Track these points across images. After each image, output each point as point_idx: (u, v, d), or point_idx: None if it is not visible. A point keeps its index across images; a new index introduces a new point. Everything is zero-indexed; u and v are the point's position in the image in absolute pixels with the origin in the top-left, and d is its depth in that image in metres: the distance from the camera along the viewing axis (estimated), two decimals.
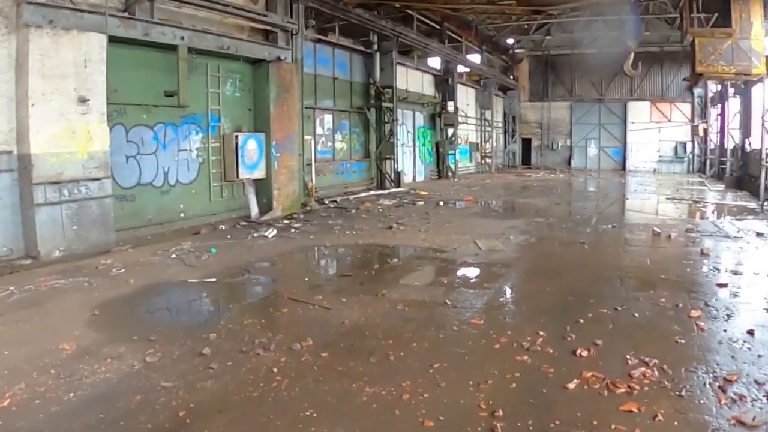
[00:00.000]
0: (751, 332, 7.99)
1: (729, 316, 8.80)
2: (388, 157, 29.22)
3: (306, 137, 21.92)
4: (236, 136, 17.88)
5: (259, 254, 13.35)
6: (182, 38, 15.63)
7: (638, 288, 10.55)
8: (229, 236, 15.37)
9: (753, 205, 23.84)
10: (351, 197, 24.22)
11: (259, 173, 18.76)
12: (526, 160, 53.26)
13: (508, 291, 10.54)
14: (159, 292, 10.50)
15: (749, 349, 7.40)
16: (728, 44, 24.85)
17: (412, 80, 33.97)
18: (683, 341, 7.67)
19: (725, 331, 8.13)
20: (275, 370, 6.72)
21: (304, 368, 6.79)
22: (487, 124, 45.89)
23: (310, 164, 22.49)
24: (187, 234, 15.54)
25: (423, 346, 7.51)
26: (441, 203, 23.62)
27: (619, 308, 9.11)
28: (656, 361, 6.82)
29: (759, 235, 16.36)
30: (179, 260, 12.54)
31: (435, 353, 7.26)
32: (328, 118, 26.10)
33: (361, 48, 28.26)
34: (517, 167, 50.76)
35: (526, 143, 53.54)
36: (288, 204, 19.52)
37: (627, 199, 28.08)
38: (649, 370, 6.59)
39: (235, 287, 10.87)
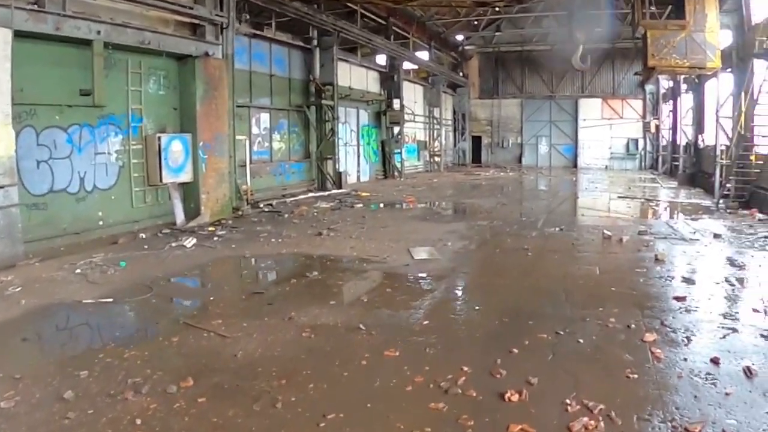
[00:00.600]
0: (715, 361, 6.75)
1: (689, 339, 7.55)
2: (329, 157, 27.77)
3: (239, 137, 20.62)
4: (159, 138, 16.37)
5: (171, 268, 11.88)
6: (98, 33, 14.19)
7: (585, 304, 9.25)
8: (146, 246, 13.84)
9: (708, 203, 22.87)
10: (288, 200, 22.79)
11: (186, 176, 17.24)
12: (477, 158, 52.50)
13: (435, 312, 9.06)
14: (47, 316, 9.00)
15: (714, 384, 6.15)
16: (682, 37, 23.77)
17: (356, 77, 32.70)
18: (636, 376, 6.38)
19: (685, 360, 6.86)
20: (139, 421, 5.39)
21: (173, 419, 5.47)
22: (435, 121, 44.82)
23: (245, 166, 21.17)
24: (105, 244, 14.04)
25: (320, 389, 6.15)
26: (381, 205, 22.32)
27: (562, 332, 7.80)
28: (602, 406, 5.51)
29: (716, 236, 15.31)
30: (83, 276, 11.04)
31: (332, 399, 5.91)
32: (264, 117, 24.59)
33: (301, 44, 26.71)
34: (467, 165, 49.99)
35: (477, 141, 52.84)
36: (218, 209, 18.04)
37: (577, 198, 27.16)
38: (593, 421, 5.25)
39: (130, 309, 9.38)
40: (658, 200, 24.94)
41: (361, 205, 22.02)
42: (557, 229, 16.70)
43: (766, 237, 15.12)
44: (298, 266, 12.56)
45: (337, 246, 14.09)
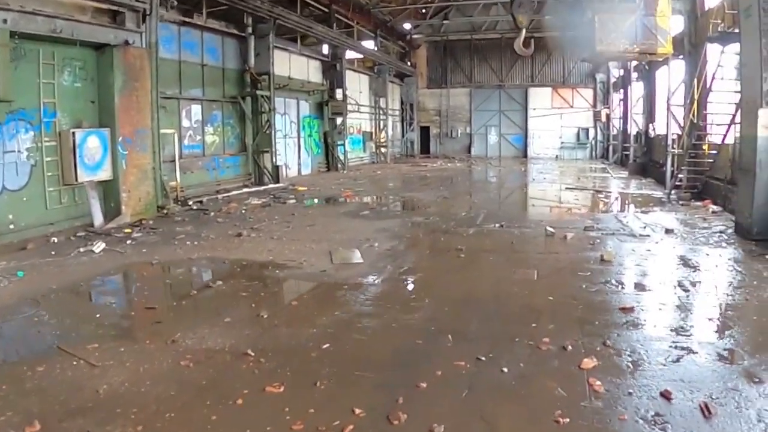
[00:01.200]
0: (666, 395, 5.50)
1: (635, 365, 6.29)
2: (265, 150, 26.20)
3: (167, 131, 19.24)
4: (73, 133, 14.82)
5: (70, 278, 10.36)
6: (5, 21, 12.66)
7: (517, 318, 7.99)
8: (53, 252, 12.28)
9: (659, 194, 21.86)
10: (221, 196, 21.33)
11: (104, 174, 15.72)
12: (425, 148, 51.50)
13: (341, 331, 7.71)
14: None
15: (664, 430, 4.91)
16: (631, 21, 22.74)
17: (296, 66, 31.14)
18: (567, 420, 5.10)
19: (630, 394, 5.59)
20: None
21: None
22: (381, 112, 43.35)
23: (174, 161, 19.66)
24: (12, 250, 12.43)
25: None
26: (315, 201, 21.09)
27: (484, 358, 6.49)
28: None
29: (668, 231, 14.18)
30: None
31: None
32: (196, 109, 22.98)
33: (235, 31, 25.09)
34: (415, 156, 49.04)
35: (425, 131, 51.80)
36: (140, 208, 16.55)
37: (524, 189, 25.92)
38: None
39: (4, 332, 7.89)
40: (608, 191, 23.89)
41: (293, 200, 20.63)
42: (497, 225, 15.45)
43: (721, 232, 14.05)
44: (204, 274, 11.20)
45: (255, 249, 12.69)
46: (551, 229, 14.06)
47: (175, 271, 11.41)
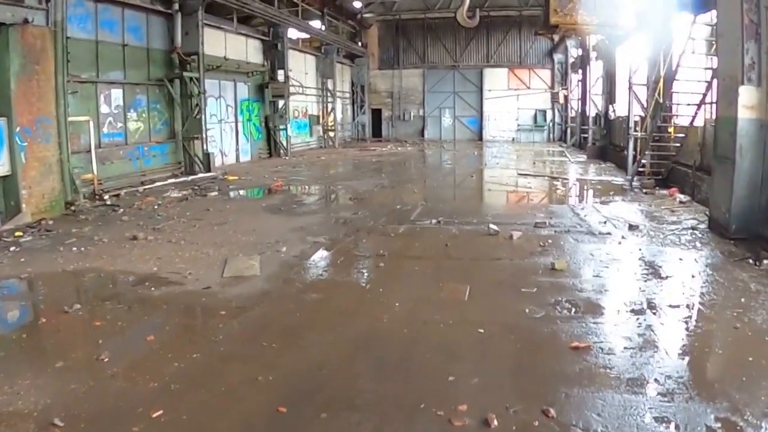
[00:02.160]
0: None
1: None
2: (195, 136, 23.88)
3: (81, 118, 17.14)
4: None
5: None
6: None
7: (429, 368, 5.89)
8: None
9: (620, 180, 20.05)
10: (142, 188, 19.14)
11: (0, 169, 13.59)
12: (377, 132, 49.38)
13: (187, 387, 5.57)
14: None
15: None
16: None
17: (232, 46, 28.79)
18: None
19: None
20: None
21: None
22: (329, 94, 41.16)
23: (90, 151, 17.52)
24: None
25: None
26: (241, 192, 19.04)
27: None
28: None
29: (632, 228, 12.27)
30: None
31: None
32: (117, 93, 20.59)
33: (160, 8, 22.66)
34: (366, 140, 46.74)
35: (377, 114, 49.62)
36: (44, 205, 14.52)
37: (473, 177, 23.79)
38: None
39: None
40: (565, 178, 21.88)
41: (216, 193, 18.46)
42: (434, 221, 13.32)
43: (693, 228, 12.13)
44: (67, 294, 8.79)
45: (143, 256, 10.52)
46: (495, 228, 11.96)
47: (36, 289, 9.07)
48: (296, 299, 8.20)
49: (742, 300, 7.67)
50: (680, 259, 9.80)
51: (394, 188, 19.65)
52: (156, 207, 15.74)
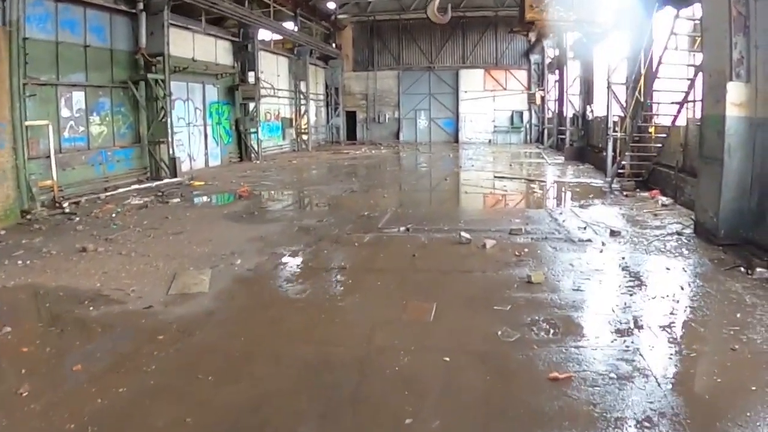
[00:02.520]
0: None
1: None
2: (161, 140, 22.96)
3: (39, 122, 16.42)
4: None
5: None
6: None
7: (384, 406, 5.10)
8: None
9: (599, 182, 19.32)
10: (104, 195, 18.18)
11: None
12: (352, 135, 48.30)
13: (108, 421, 4.87)
14: None
15: None
16: None
17: (201, 47, 27.90)
18: None
19: None
20: None
21: None
22: (302, 96, 39.75)
23: (50, 156, 16.62)
24: None
25: None
26: (204, 199, 18.12)
27: None
28: None
29: (614, 234, 11.53)
30: None
31: None
32: (78, 96, 19.62)
33: (124, 7, 21.72)
34: (340, 143, 45.80)
35: (352, 117, 48.56)
36: None
37: (447, 180, 22.90)
38: None
39: None
40: (542, 180, 21.13)
41: (178, 199, 17.58)
42: (403, 228, 12.50)
43: (678, 234, 11.43)
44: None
45: (89, 271, 9.65)
46: (467, 236, 11.13)
47: None
48: (244, 321, 7.37)
49: (738, 316, 6.95)
50: (667, 269, 9.07)
51: (364, 193, 18.76)
52: (114, 215, 14.84)
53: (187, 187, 20.56)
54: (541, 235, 11.54)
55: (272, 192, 19.69)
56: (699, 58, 14.36)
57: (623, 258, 9.73)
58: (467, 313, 7.34)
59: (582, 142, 29.07)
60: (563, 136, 33.12)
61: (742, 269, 8.87)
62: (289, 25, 37.63)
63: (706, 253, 9.92)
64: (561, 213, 14.19)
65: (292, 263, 10.07)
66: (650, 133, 17.53)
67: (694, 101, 15.33)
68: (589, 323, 6.89)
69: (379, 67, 48.24)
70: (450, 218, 13.81)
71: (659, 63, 16.36)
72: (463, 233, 11.25)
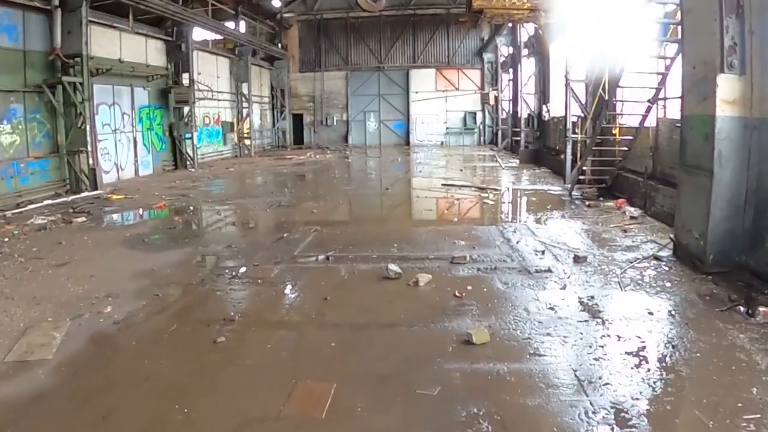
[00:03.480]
0: None
1: None
2: (80, 150, 20.66)
3: None
4: None
5: None
6: None
7: None
8: None
9: (557, 189, 17.67)
10: (13, 212, 16.03)
11: None
12: (299, 138, 46.86)
13: None
14: None
15: None
16: None
17: (130, 47, 25.76)
18: None
19: None
20: None
21: None
22: (244, 99, 38.16)
23: None
24: None
25: None
26: (114, 217, 15.89)
27: None
28: None
29: (578, 260, 9.58)
30: None
31: None
32: None
33: (38, 4, 19.43)
34: (287, 147, 44.32)
35: (299, 119, 47.10)
36: None
37: (388, 189, 20.76)
38: None
39: None
40: (495, 188, 19.09)
41: (84, 218, 15.30)
42: (321, 257, 10.36)
43: (656, 258, 9.48)
44: None
45: None
46: (396, 270, 8.97)
47: None
48: (74, 410, 5.22)
49: (754, 391, 5.03)
50: (649, 314, 7.08)
51: (291, 208, 16.45)
52: (6, 239, 12.60)
53: (105, 201, 18.44)
54: (489, 265, 9.53)
55: (191, 207, 17.44)
56: (671, 49, 12.47)
57: (592, 297, 7.72)
58: (376, 402, 5.17)
59: (538, 144, 27.68)
60: (518, 138, 31.65)
61: (741, 308, 6.94)
62: (232, 24, 36.17)
63: (693, 286, 8.02)
64: (515, 231, 12.21)
65: (171, 312, 7.86)
66: (614, 135, 15.62)
67: (665, 99, 13.42)
68: (554, 420, 4.80)
69: (327, 68, 46.62)
70: (383, 241, 11.62)
71: (625, 58, 14.39)
72: (391, 266, 9.08)
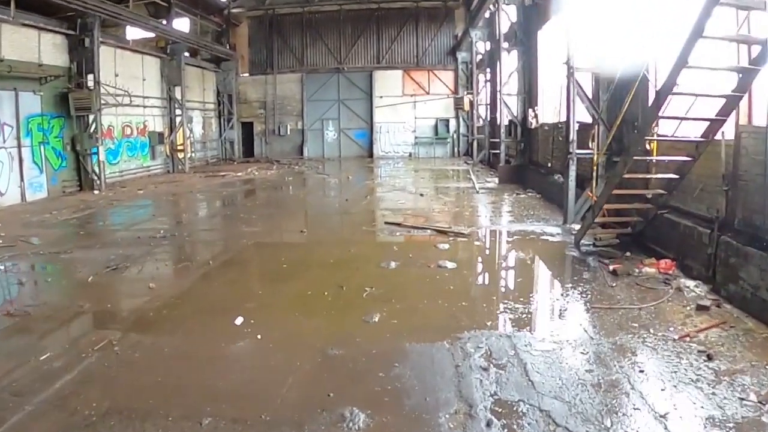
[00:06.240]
0: None
1: None
2: None
3: None
4: None
5: None
6: None
7: None
8: None
9: (554, 231, 12.69)
10: None
11: None
12: (249, 149, 43.08)
13: None
14: None
15: None
16: None
17: (15, 41, 21.29)
18: None
19: None
20: None
21: None
22: (177, 105, 33.46)
23: None
24: None
25: None
26: None
27: None
28: None
29: None
30: None
31: None
32: None
33: None
34: (234, 160, 40.10)
35: (249, 128, 43.26)
36: None
37: (302, 232, 14.37)
38: None
39: None
40: (462, 232, 12.93)
41: None
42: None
43: None
44: None
45: None
46: None
47: None
48: None
49: None
50: None
51: (119, 281, 10.22)
52: None
53: None
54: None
55: (52, 252, 11.79)
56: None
57: None
58: None
59: (522, 159, 23.14)
60: (497, 151, 26.53)
61: None
62: (167, 20, 33.06)
63: None
64: (487, 358, 6.28)
65: None
66: (649, 150, 9.90)
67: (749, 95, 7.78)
68: None
69: (280, 70, 42.91)
70: (283, 357, 5.84)
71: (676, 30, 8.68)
72: None
